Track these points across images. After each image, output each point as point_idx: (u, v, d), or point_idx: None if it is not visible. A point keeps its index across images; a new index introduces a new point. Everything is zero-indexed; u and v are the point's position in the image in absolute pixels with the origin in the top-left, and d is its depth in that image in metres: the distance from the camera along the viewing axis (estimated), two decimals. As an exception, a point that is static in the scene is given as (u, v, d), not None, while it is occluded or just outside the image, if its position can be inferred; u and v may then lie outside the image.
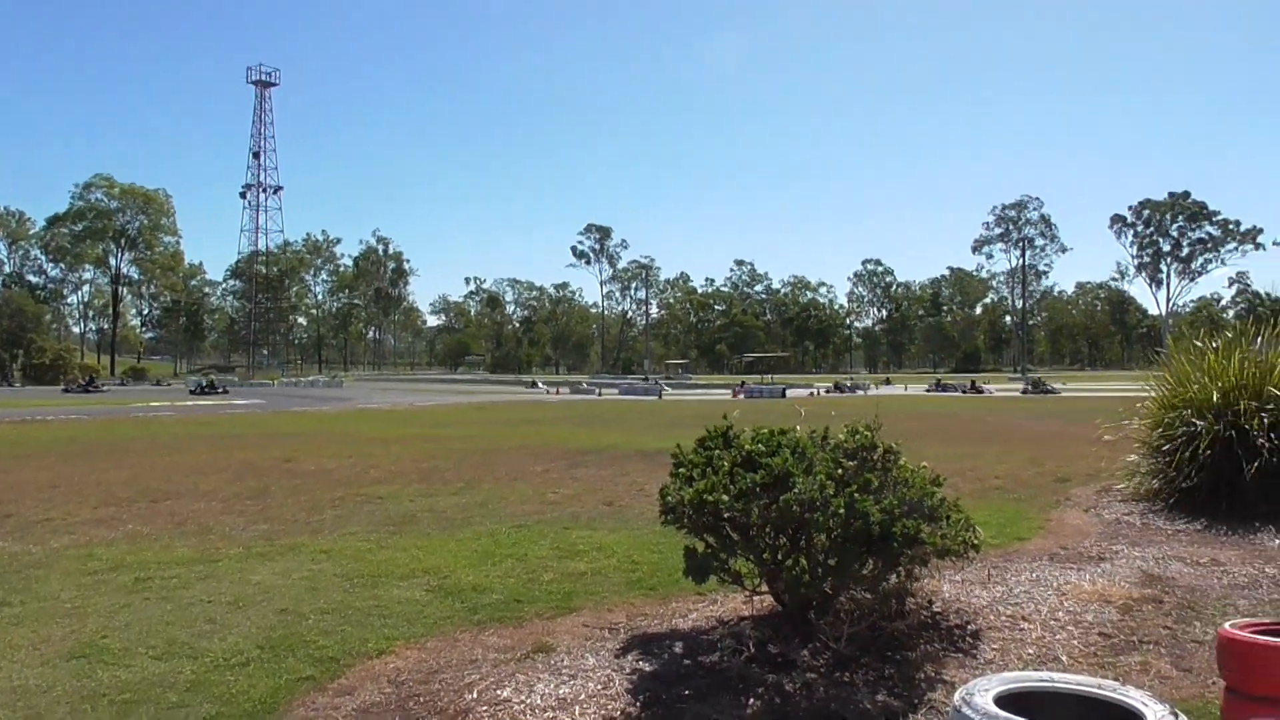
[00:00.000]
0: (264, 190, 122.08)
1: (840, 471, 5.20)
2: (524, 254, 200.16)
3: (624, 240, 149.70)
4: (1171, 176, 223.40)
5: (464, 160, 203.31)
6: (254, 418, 31.65)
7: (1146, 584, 6.73)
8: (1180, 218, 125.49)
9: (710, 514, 5.17)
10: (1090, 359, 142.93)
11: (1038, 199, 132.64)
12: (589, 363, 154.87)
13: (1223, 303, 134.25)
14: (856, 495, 5.02)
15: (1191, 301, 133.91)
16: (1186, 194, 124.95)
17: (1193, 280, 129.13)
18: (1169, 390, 9.89)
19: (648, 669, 5.19)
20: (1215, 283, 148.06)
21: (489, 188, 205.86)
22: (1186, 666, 5.27)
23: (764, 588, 5.63)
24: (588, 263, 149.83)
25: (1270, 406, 8.91)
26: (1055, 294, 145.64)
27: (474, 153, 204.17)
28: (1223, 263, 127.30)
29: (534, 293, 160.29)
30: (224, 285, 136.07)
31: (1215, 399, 9.27)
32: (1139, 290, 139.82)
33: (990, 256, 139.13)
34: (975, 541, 5.73)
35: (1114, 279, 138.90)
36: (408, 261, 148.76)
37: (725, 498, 5.07)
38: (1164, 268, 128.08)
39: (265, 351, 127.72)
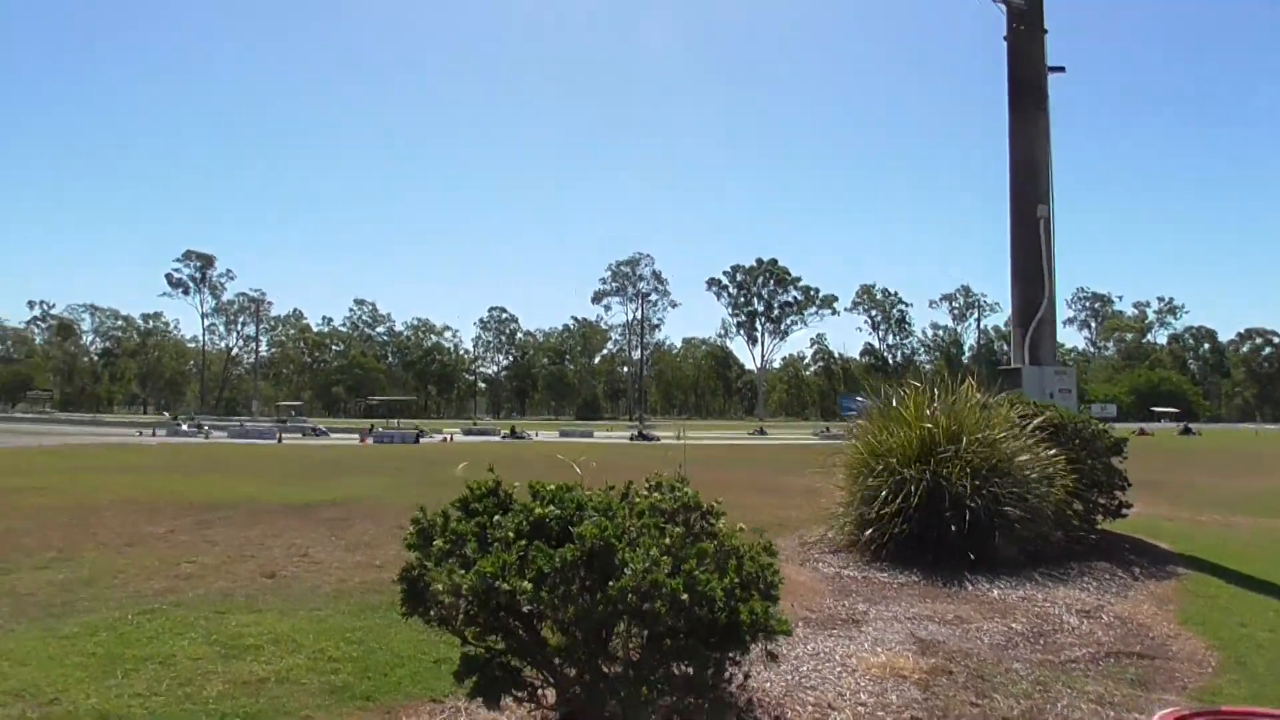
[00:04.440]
0: None
1: (667, 541, 4.00)
2: (108, 280, 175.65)
3: (230, 270, 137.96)
4: (771, 242, 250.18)
5: (34, 168, 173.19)
6: None
7: (922, 651, 6.21)
8: (770, 282, 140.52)
9: (503, 607, 3.72)
10: (696, 409, 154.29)
11: (649, 256, 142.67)
12: (185, 402, 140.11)
13: (805, 360, 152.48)
14: (697, 574, 3.85)
15: (782, 359, 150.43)
16: (774, 261, 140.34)
17: (782, 339, 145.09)
18: (874, 439, 9.86)
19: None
20: (800, 342, 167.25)
21: (65, 201, 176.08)
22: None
23: (549, 699, 4.26)
24: (186, 293, 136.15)
25: (968, 456, 9.08)
26: (666, 347, 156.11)
27: (47, 159, 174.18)
28: (805, 324, 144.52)
29: (118, 322, 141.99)
30: None
31: (916, 447, 9.36)
32: (739, 347, 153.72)
33: (609, 309, 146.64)
34: (785, 617, 4.82)
35: (719, 335, 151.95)
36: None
37: (527, 585, 3.66)
38: (758, 327, 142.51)
39: None
